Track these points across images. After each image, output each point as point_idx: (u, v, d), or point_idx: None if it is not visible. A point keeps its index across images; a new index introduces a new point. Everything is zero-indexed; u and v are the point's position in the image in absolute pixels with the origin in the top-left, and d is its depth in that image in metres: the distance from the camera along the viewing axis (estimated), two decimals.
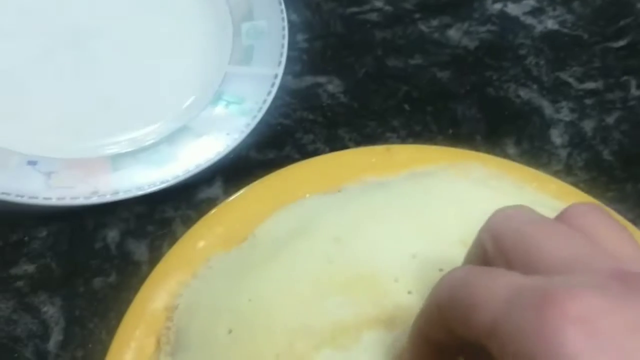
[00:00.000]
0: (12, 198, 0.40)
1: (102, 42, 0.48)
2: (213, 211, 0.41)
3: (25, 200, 0.40)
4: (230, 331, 0.35)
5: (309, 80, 0.50)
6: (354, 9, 0.54)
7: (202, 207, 0.44)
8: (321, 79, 0.50)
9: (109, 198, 0.41)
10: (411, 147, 0.45)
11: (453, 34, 0.53)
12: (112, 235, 0.43)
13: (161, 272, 0.39)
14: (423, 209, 0.39)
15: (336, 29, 0.53)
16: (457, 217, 0.39)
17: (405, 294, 0.35)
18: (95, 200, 0.41)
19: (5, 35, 0.47)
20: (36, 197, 0.40)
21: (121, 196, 0.41)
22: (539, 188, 0.43)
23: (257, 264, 0.38)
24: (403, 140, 0.48)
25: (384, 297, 0.35)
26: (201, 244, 0.40)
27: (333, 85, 0.50)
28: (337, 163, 0.44)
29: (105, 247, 0.42)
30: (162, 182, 0.42)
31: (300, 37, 0.52)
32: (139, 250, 0.43)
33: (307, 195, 0.41)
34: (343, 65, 0.51)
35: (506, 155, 0.47)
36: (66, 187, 0.41)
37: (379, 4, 0.54)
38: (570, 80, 0.51)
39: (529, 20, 0.54)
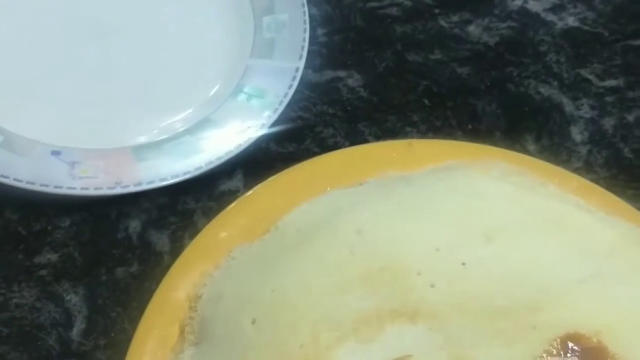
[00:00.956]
0: (37, 187, 0.40)
1: (124, 34, 0.48)
2: (235, 203, 0.42)
3: (50, 190, 0.40)
4: (254, 321, 0.35)
5: (329, 74, 0.50)
6: (374, 4, 0.54)
7: (223, 199, 0.45)
8: (341, 74, 0.51)
9: (132, 189, 0.41)
10: (433, 142, 0.45)
11: (473, 29, 0.53)
12: (135, 225, 0.43)
13: (184, 262, 0.40)
14: (446, 203, 0.39)
15: (356, 23, 0.53)
16: (480, 213, 0.39)
17: (429, 287, 0.35)
18: (118, 191, 0.41)
19: (30, 26, 0.47)
20: (61, 187, 0.40)
21: (144, 187, 0.42)
22: (561, 185, 0.43)
23: (281, 256, 0.38)
24: (423, 135, 0.48)
25: (407, 290, 0.35)
26: (223, 235, 0.40)
27: (353, 80, 0.50)
28: (358, 157, 0.44)
29: (127, 238, 0.43)
30: (185, 174, 0.43)
31: (320, 31, 0.52)
32: (161, 241, 0.43)
33: (329, 189, 0.42)
34: (363, 60, 0.51)
35: (526, 152, 0.47)
36: (90, 178, 0.41)
37: None
38: (591, 77, 0.51)
39: (550, 17, 0.54)
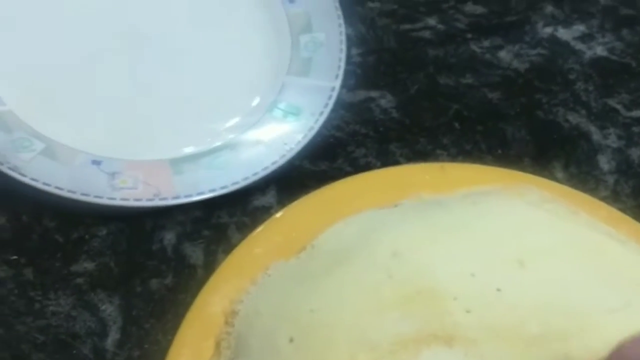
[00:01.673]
0: (77, 196, 0.41)
1: (165, 48, 0.49)
2: (270, 220, 0.42)
3: (90, 199, 0.41)
4: (291, 340, 0.36)
5: (362, 94, 0.51)
6: (407, 26, 0.55)
7: (256, 214, 0.45)
8: (374, 94, 0.51)
9: (170, 202, 0.42)
10: (465, 166, 0.46)
11: (504, 55, 0.54)
12: (169, 237, 0.44)
13: (219, 277, 0.40)
14: (480, 228, 0.40)
15: (390, 44, 0.54)
16: (514, 238, 0.40)
17: (464, 312, 0.36)
18: (156, 203, 0.42)
19: (73, 36, 0.47)
20: (101, 197, 0.41)
21: (182, 200, 0.42)
22: (591, 213, 0.44)
23: (318, 275, 0.38)
24: (453, 158, 0.49)
25: (443, 315, 0.36)
26: (259, 251, 0.41)
27: (385, 100, 0.51)
28: (392, 178, 0.45)
29: (162, 249, 0.43)
30: (222, 188, 0.43)
31: (354, 51, 0.52)
32: (195, 254, 0.43)
33: (364, 209, 0.42)
34: (396, 81, 0.52)
35: (554, 179, 0.48)
36: (129, 189, 0.42)
37: (432, 22, 0.55)
38: (619, 107, 0.52)
39: (579, 45, 0.55)
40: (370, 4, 0.55)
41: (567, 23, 0.56)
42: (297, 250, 0.41)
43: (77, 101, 0.45)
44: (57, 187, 0.41)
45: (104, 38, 0.48)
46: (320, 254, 0.40)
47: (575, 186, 0.46)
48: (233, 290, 0.40)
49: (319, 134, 0.47)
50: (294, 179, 0.47)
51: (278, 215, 0.43)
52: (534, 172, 0.47)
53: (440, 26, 0.55)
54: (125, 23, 0.49)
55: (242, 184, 0.44)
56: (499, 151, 0.49)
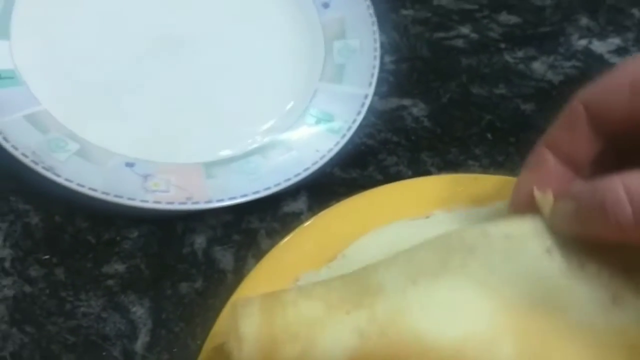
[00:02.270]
0: (110, 198, 0.41)
1: (200, 50, 0.49)
2: (301, 228, 0.42)
3: (123, 201, 0.41)
4: None
5: (394, 102, 0.51)
6: (441, 34, 0.54)
7: (286, 220, 0.45)
8: (406, 102, 0.51)
9: (202, 206, 0.42)
10: (499, 179, 0.45)
11: (538, 66, 0.53)
12: (200, 241, 0.44)
13: (249, 284, 0.40)
14: None
15: (422, 52, 0.53)
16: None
17: None
18: (189, 206, 0.42)
19: (108, 38, 0.48)
20: (134, 199, 0.41)
21: (214, 205, 0.42)
22: None
23: None
24: (485, 169, 0.49)
25: None
26: (289, 259, 0.41)
27: (417, 109, 0.51)
28: (424, 188, 0.44)
29: (192, 253, 0.43)
30: (254, 193, 0.43)
31: (387, 58, 0.52)
32: (225, 258, 0.43)
33: (395, 219, 0.42)
34: (428, 90, 0.52)
35: None
36: (162, 192, 0.42)
37: (465, 31, 0.54)
38: None
39: (614, 59, 0.54)
40: (404, 12, 0.55)
41: (602, 36, 0.55)
42: (328, 259, 0.41)
43: (113, 103, 0.45)
44: (90, 188, 0.41)
45: (141, 42, 0.48)
46: (351, 264, 0.40)
47: None
48: None
49: (349, 141, 0.47)
50: (325, 185, 0.47)
51: (308, 223, 0.42)
52: None
53: (474, 35, 0.54)
54: (163, 27, 0.49)
55: (274, 189, 0.44)
56: None
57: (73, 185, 0.41)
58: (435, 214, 0.42)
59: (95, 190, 0.41)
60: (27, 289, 0.40)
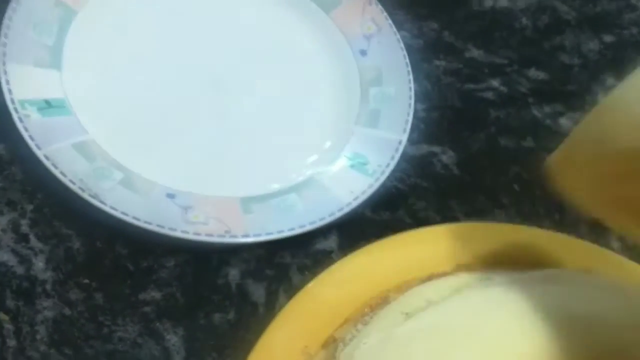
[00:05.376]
0: (153, 227, 0.42)
1: (244, 90, 0.50)
2: (335, 265, 0.43)
3: (165, 231, 0.42)
4: None
5: (424, 148, 0.53)
6: (471, 86, 0.56)
7: (317, 257, 0.46)
8: (436, 149, 0.53)
9: (240, 240, 0.43)
10: (523, 229, 0.47)
11: (565, 122, 0.55)
12: (233, 273, 0.45)
13: (283, 318, 0.41)
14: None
15: (453, 102, 0.55)
16: None
17: None
18: (227, 240, 0.43)
19: (156, 74, 0.49)
20: (175, 230, 0.42)
21: (251, 239, 0.43)
22: None
23: None
24: (511, 218, 0.50)
25: None
26: (323, 296, 0.42)
27: (447, 156, 0.52)
28: (453, 234, 0.46)
29: (226, 284, 0.44)
30: (289, 230, 0.44)
31: (419, 106, 0.54)
32: (257, 291, 0.44)
33: (430, 265, 0.43)
34: (457, 138, 0.53)
35: (610, 247, 0.48)
36: (201, 223, 0.43)
37: (495, 84, 0.56)
38: None
39: None
40: (437, 62, 0.57)
41: None
42: (361, 300, 0.42)
43: (157, 135, 0.47)
44: (134, 217, 0.42)
45: (188, 79, 0.50)
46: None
47: (631, 257, 0.47)
48: (296, 333, 0.41)
49: (382, 184, 0.49)
50: (356, 225, 0.48)
51: (340, 261, 0.44)
52: (590, 240, 0.48)
53: (503, 88, 0.56)
54: (210, 67, 0.51)
55: (309, 227, 0.45)
56: (557, 216, 0.50)
57: (117, 214, 0.42)
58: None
59: (138, 219, 0.42)
60: (67, 311, 0.41)
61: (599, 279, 0.42)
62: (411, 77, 0.52)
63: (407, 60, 0.53)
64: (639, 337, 0.37)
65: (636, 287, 0.43)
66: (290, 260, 0.46)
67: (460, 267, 0.43)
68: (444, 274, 0.43)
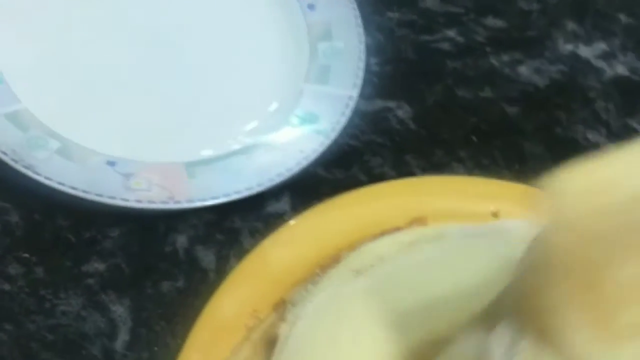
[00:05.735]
0: (91, 197, 0.41)
1: (184, 49, 0.48)
2: (285, 226, 0.42)
3: (103, 199, 0.41)
4: None
5: (379, 103, 0.51)
6: (427, 37, 0.54)
7: (269, 220, 0.45)
8: (391, 104, 0.51)
9: (184, 205, 0.42)
10: (482, 181, 0.45)
11: (523, 70, 0.53)
12: (182, 240, 0.43)
13: (232, 282, 0.40)
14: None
15: (408, 55, 0.53)
16: None
17: None
18: (171, 206, 0.42)
19: (90, 37, 0.47)
20: (114, 198, 0.41)
21: (196, 204, 0.42)
22: None
23: None
24: (469, 171, 0.49)
25: None
26: (272, 258, 0.41)
27: (402, 111, 0.51)
28: (408, 189, 0.44)
29: (174, 252, 0.43)
30: (236, 193, 0.43)
31: (372, 60, 0.52)
32: (207, 257, 0.43)
33: (384, 221, 0.42)
34: (413, 92, 0.52)
35: None
36: (143, 190, 0.42)
37: (451, 34, 0.54)
38: (638, 127, 0.52)
39: (600, 63, 0.54)
40: (390, 14, 0.55)
41: (588, 40, 0.56)
42: (312, 261, 0.41)
43: (94, 101, 0.45)
44: (71, 187, 0.40)
45: (124, 41, 0.48)
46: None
47: None
48: (245, 297, 0.40)
49: (333, 142, 0.47)
50: (308, 186, 0.46)
51: (292, 222, 0.42)
52: None
53: (460, 38, 0.54)
54: (146, 27, 0.48)
55: (257, 189, 0.43)
56: (517, 166, 0.49)
57: (53, 184, 0.40)
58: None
59: (75, 188, 0.40)
60: (6, 287, 0.40)
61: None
62: (361, 30, 0.50)
63: (357, 13, 0.51)
64: None
65: None
66: (241, 224, 0.45)
67: (414, 222, 0.42)
68: (396, 230, 0.42)
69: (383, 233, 0.41)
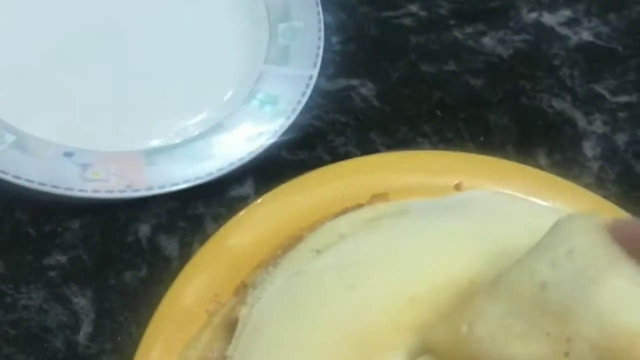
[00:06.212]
0: (47, 189, 0.40)
1: (138, 37, 0.48)
2: (244, 210, 0.42)
3: (60, 191, 0.40)
4: None
5: (341, 82, 0.50)
6: (389, 13, 0.54)
7: (233, 205, 0.44)
8: (354, 82, 0.50)
9: (143, 193, 0.41)
10: (446, 154, 0.45)
11: (487, 41, 0.53)
12: (144, 229, 0.43)
13: (193, 268, 0.39)
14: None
15: (370, 32, 0.53)
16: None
17: None
18: (129, 194, 0.41)
19: (43, 24, 0.47)
20: (72, 189, 0.40)
21: (155, 191, 0.42)
22: (573, 200, 0.43)
23: None
24: (435, 146, 0.48)
25: None
26: (233, 241, 0.41)
27: (366, 89, 0.50)
28: (371, 166, 0.44)
29: (136, 241, 0.43)
30: (196, 179, 0.42)
31: (334, 39, 0.52)
32: (170, 245, 0.43)
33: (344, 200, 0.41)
34: (376, 69, 0.51)
35: (537, 166, 0.47)
36: (101, 180, 0.41)
37: (413, 9, 0.54)
38: (604, 92, 0.51)
39: (564, 31, 0.54)
40: None
41: (552, 8, 0.55)
42: (274, 242, 0.40)
43: (48, 93, 0.45)
44: (27, 180, 0.40)
45: (74, 29, 0.47)
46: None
47: (559, 173, 0.46)
48: (206, 282, 0.39)
49: (297, 123, 0.47)
50: (272, 169, 0.46)
51: (253, 205, 0.42)
52: (517, 160, 0.46)
53: (422, 13, 0.54)
54: (98, 16, 0.48)
55: (217, 174, 0.43)
56: (482, 139, 0.49)
57: (9, 177, 0.40)
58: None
59: (31, 181, 0.40)
60: None
61: (512, 199, 0.41)
62: (320, 8, 0.50)
63: None
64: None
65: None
66: (204, 210, 0.44)
67: (376, 198, 0.41)
68: (358, 207, 0.41)
69: (344, 211, 0.41)
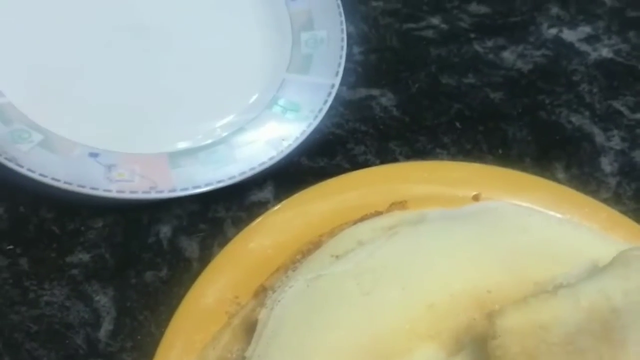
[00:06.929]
0: (73, 188, 0.41)
1: (167, 40, 0.49)
2: (266, 214, 0.42)
3: (86, 190, 0.41)
4: None
5: (362, 92, 0.51)
6: (411, 25, 0.54)
7: (252, 209, 0.45)
8: (375, 92, 0.51)
9: (166, 194, 0.42)
10: (465, 166, 0.45)
11: (507, 55, 0.53)
12: (165, 230, 0.44)
13: (213, 270, 0.40)
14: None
15: (392, 43, 0.54)
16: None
17: None
18: (153, 195, 0.42)
19: (71, 29, 0.48)
20: (97, 189, 0.41)
21: (178, 194, 0.42)
22: (590, 215, 0.43)
23: None
24: (453, 157, 0.49)
25: None
26: (253, 245, 0.41)
27: (386, 99, 0.51)
28: (390, 175, 0.45)
29: (157, 242, 0.43)
30: (218, 182, 0.43)
31: (356, 49, 0.52)
32: (190, 247, 0.43)
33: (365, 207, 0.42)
34: (397, 80, 0.52)
35: (555, 180, 0.47)
36: (125, 181, 0.42)
37: (435, 22, 0.55)
38: (623, 109, 0.52)
39: (584, 47, 0.54)
40: (374, 3, 0.55)
41: (572, 24, 0.56)
42: (293, 247, 0.41)
43: (76, 94, 0.46)
44: (53, 179, 0.41)
45: (104, 32, 0.48)
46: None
47: (576, 187, 0.46)
48: (227, 284, 0.40)
49: (318, 130, 0.47)
50: (292, 174, 0.47)
51: (273, 209, 0.43)
52: (534, 173, 0.46)
53: (444, 26, 0.55)
54: (126, 18, 0.49)
55: (239, 178, 0.44)
56: (500, 151, 0.49)
57: (36, 176, 0.41)
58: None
59: (58, 180, 0.41)
60: None
61: (529, 211, 0.41)
62: (343, 18, 0.50)
63: (339, 2, 0.51)
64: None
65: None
66: (225, 214, 0.45)
67: (394, 206, 0.42)
68: (377, 214, 0.42)
69: (363, 218, 0.42)
